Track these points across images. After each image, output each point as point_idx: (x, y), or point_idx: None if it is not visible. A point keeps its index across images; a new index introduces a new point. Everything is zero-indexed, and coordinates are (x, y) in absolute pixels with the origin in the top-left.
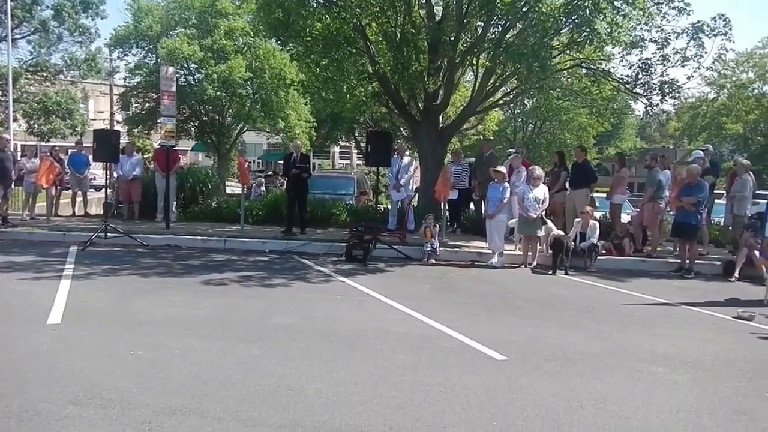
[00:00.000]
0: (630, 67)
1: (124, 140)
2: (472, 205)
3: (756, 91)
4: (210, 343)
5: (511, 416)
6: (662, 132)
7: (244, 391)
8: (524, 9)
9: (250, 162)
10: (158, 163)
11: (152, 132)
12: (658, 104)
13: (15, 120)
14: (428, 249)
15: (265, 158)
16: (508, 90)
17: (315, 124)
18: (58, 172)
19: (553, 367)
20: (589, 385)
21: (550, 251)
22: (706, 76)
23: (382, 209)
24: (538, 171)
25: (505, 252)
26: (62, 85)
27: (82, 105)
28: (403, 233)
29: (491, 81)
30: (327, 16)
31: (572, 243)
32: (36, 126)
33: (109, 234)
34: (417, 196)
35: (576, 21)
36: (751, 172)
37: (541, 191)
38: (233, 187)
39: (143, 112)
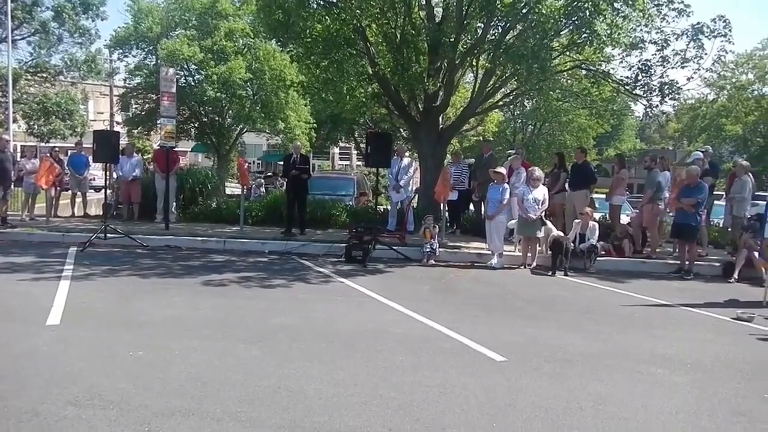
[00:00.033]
0: (630, 69)
1: (123, 141)
2: (471, 206)
3: (755, 92)
4: (210, 344)
5: (511, 417)
6: (662, 133)
7: (244, 392)
8: (524, 10)
9: (250, 163)
10: (158, 164)
11: (152, 133)
12: (657, 105)
13: (15, 121)
14: (428, 250)
15: (265, 159)
16: (508, 91)
17: (315, 125)
18: (57, 173)
19: (552, 368)
20: (589, 387)
21: (550, 252)
22: (705, 78)
23: (382, 210)
24: (538, 172)
25: (504, 253)
26: (62, 86)
27: (81, 106)
28: (402, 234)
29: (491, 82)
30: (327, 17)
31: (572, 244)
32: (36, 127)
33: (108, 235)
34: (417, 197)
35: (576, 22)
36: (750, 174)
37: (541, 192)
38: (233, 188)
39: (143, 113)
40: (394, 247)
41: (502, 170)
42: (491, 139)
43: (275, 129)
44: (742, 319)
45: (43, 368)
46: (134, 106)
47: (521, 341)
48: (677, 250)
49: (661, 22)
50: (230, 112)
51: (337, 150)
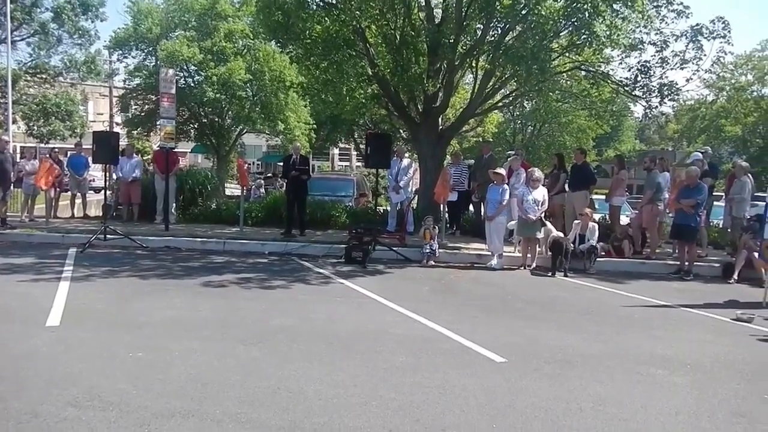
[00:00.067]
0: (629, 70)
1: (123, 142)
2: (471, 207)
3: (755, 93)
4: (209, 345)
5: (511, 418)
6: (661, 134)
7: (244, 393)
8: (523, 12)
9: (250, 164)
10: (158, 165)
11: (152, 134)
12: (657, 106)
13: (14, 122)
14: (427, 251)
15: (265, 160)
16: (508, 92)
17: (314, 126)
18: (57, 174)
19: (552, 369)
20: (589, 388)
21: (550, 253)
22: (705, 79)
23: (382, 211)
24: (538, 173)
25: (504, 254)
26: (62, 87)
27: (81, 107)
28: (402, 235)
29: (490, 83)
30: (326, 18)
31: (571, 245)
32: (35, 128)
33: (108, 236)
34: (416, 198)
35: (575, 24)
36: (749, 174)
37: (541, 193)
38: (233, 189)
39: (143, 114)
40: (394, 248)
41: (502, 171)
42: (491, 140)
43: (275, 130)
44: (741, 319)
45: (42, 369)
46: (134, 107)
47: (521, 342)
48: (677, 251)
49: (661, 23)
50: (230, 113)
51: (336, 151)
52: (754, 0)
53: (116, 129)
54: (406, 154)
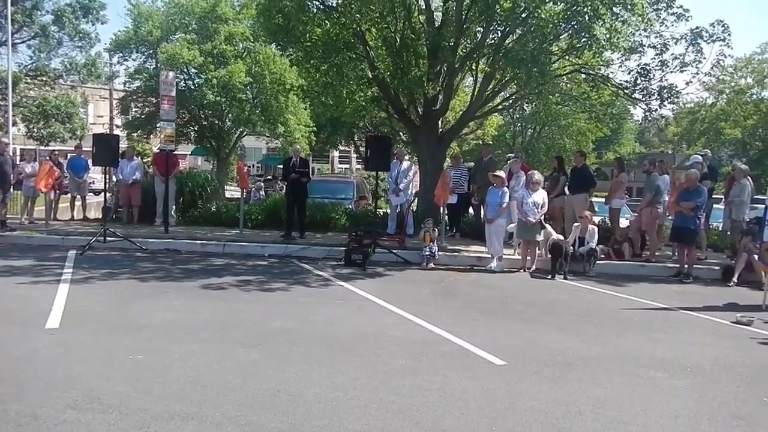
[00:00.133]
0: (629, 73)
1: (123, 145)
2: (471, 210)
3: (754, 96)
4: (209, 347)
5: (510, 421)
6: (661, 137)
7: (243, 395)
8: (523, 15)
9: (250, 166)
10: (158, 168)
11: (152, 136)
12: (656, 109)
13: (14, 124)
14: (427, 253)
15: (265, 163)
16: (508, 95)
17: (314, 128)
18: (57, 177)
19: (552, 372)
20: (588, 390)
21: (549, 256)
22: (704, 82)
23: (382, 214)
24: (537, 176)
25: (504, 256)
26: (62, 89)
27: (81, 109)
28: (402, 238)
29: (490, 86)
30: (327, 21)
31: (571, 248)
32: (35, 130)
33: (108, 238)
34: (416, 200)
35: (575, 27)
36: (749, 177)
37: (540, 196)
38: (232, 192)
39: (143, 116)
40: (394, 251)
41: (502, 174)
42: (491, 142)
43: (275, 132)
44: (741, 322)
45: (42, 371)
46: (134, 110)
47: (521, 345)
48: (676, 254)
49: (660, 26)
50: (230, 115)
51: (336, 153)
52: (754, 0)
53: (116, 131)
54: (406, 157)
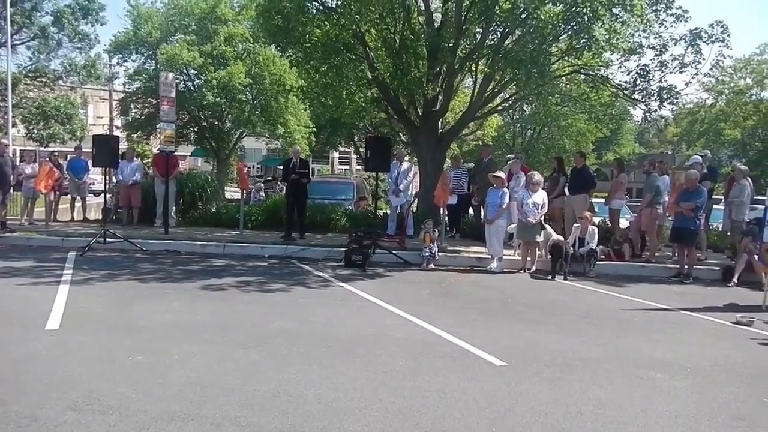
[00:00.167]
0: (628, 74)
1: (123, 146)
2: (471, 211)
3: (754, 97)
4: (209, 348)
5: (511, 422)
6: (660, 138)
7: (243, 396)
8: (523, 16)
9: (250, 167)
10: (157, 169)
11: (151, 137)
12: (656, 110)
13: (14, 125)
14: (427, 254)
15: (265, 163)
16: (507, 96)
17: (314, 129)
18: (57, 178)
19: (552, 372)
20: (588, 391)
21: (549, 256)
22: (704, 82)
23: (382, 214)
24: (537, 176)
25: (504, 257)
26: (61, 90)
27: (81, 110)
28: (402, 238)
29: (490, 87)
30: (326, 22)
31: (571, 248)
32: (35, 131)
33: (107, 239)
34: (416, 201)
35: (574, 28)
36: (749, 178)
37: (540, 196)
38: (232, 193)
39: (142, 117)
40: (394, 252)
41: (502, 174)
42: (490, 143)
43: (275, 133)
44: (741, 323)
45: (42, 373)
46: (134, 111)
47: (521, 345)
48: (676, 255)
49: (660, 27)
50: (230, 116)
51: (336, 154)
52: (754, 0)
53: (116, 132)
54: (406, 158)
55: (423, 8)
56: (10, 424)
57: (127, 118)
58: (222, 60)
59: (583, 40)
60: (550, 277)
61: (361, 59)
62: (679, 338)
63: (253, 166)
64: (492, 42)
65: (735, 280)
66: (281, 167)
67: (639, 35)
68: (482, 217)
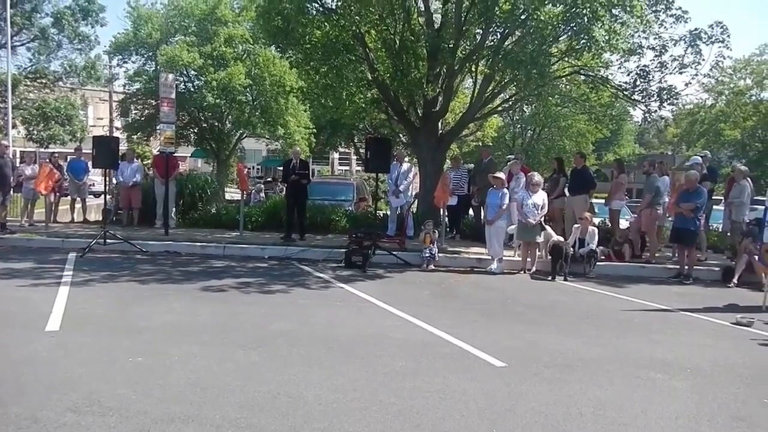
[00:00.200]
0: (628, 74)
1: (123, 147)
2: (471, 211)
3: (753, 97)
4: (209, 349)
5: (511, 423)
6: (660, 138)
7: (243, 398)
8: (523, 17)
9: (250, 168)
10: (157, 170)
11: (151, 138)
12: (656, 111)
13: (14, 126)
14: (427, 255)
15: (265, 164)
16: (507, 97)
17: (314, 130)
18: (57, 179)
19: (552, 373)
20: (589, 392)
21: (549, 257)
22: (703, 83)
23: (382, 215)
24: (537, 177)
25: (504, 258)
26: (61, 91)
27: (81, 111)
28: (402, 239)
29: (490, 88)
30: (326, 23)
31: (571, 249)
32: (35, 132)
33: (108, 240)
34: (416, 202)
35: (574, 28)
36: (749, 178)
37: (540, 197)
38: (232, 194)
39: (142, 118)
40: (394, 252)
41: (502, 175)
42: (490, 144)
43: (275, 134)
44: (741, 323)
45: (42, 374)
46: (134, 112)
47: (521, 346)
48: (676, 255)
49: (659, 28)
50: (230, 117)
51: (336, 155)
52: (754, 0)
53: (116, 134)
54: (406, 159)
55: (423, 9)
56: (10, 426)
57: (127, 120)
58: (222, 61)
59: (583, 40)
60: (550, 278)
61: (361, 60)
62: (679, 339)
63: (253, 167)
64: (492, 43)
65: (735, 280)
66: (281, 168)
67: (639, 36)
68: (482, 217)
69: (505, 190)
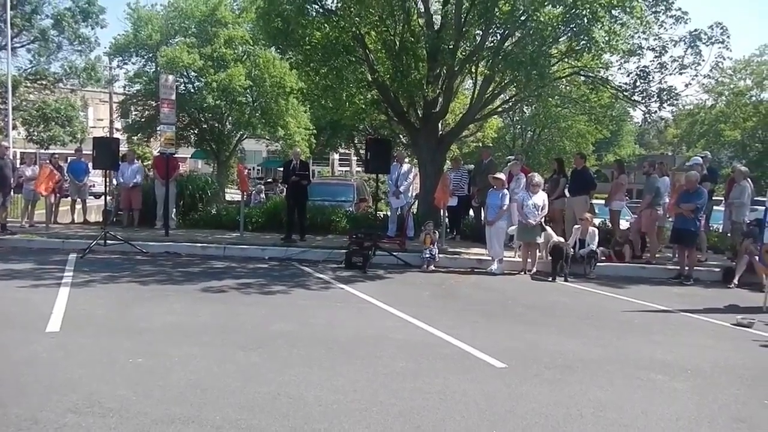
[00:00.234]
0: (628, 75)
1: (123, 148)
2: (471, 212)
3: (753, 98)
4: (209, 350)
5: (511, 424)
6: (661, 139)
7: (243, 399)
8: (522, 18)
9: (250, 169)
10: (158, 171)
11: (152, 139)
12: (656, 111)
13: (14, 127)
14: (428, 256)
15: (265, 165)
16: (507, 97)
17: (314, 131)
18: (57, 180)
19: (552, 374)
20: (589, 393)
21: (550, 258)
22: (703, 84)
23: (382, 216)
24: (537, 178)
25: (504, 259)
26: (62, 93)
27: (81, 113)
28: (402, 240)
29: (490, 89)
30: (326, 25)
31: (571, 250)
32: (35, 133)
33: (108, 241)
34: (416, 203)
35: (574, 29)
36: (749, 179)
37: (541, 198)
38: (233, 194)
39: (143, 119)
40: (394, 253)
41: (502, 176)
42: (491, 145)
43: (275, 135)
44: (742, 324)
45: (42, 375)
46: (134, 113)
47: (521, 347)
48: (677, 256)
49: (659, 29)
50: (230, 118)
51: (336, 156)
52: (754, 1)
53: (116, 135)
54: (406, 159)
55: (423, 10)
56: (11, 427)
57: (128, 121)
58: (222, 62)
59: (583, 41)
60: (550, 279)
61: (361, 61)
62: (679, 340)
63: (254, 168)
64: (492, 44)
65: (735, 281)
66: (281, 169)
67: (638, 37)
68: (482, 218)
69: (506, 191)
